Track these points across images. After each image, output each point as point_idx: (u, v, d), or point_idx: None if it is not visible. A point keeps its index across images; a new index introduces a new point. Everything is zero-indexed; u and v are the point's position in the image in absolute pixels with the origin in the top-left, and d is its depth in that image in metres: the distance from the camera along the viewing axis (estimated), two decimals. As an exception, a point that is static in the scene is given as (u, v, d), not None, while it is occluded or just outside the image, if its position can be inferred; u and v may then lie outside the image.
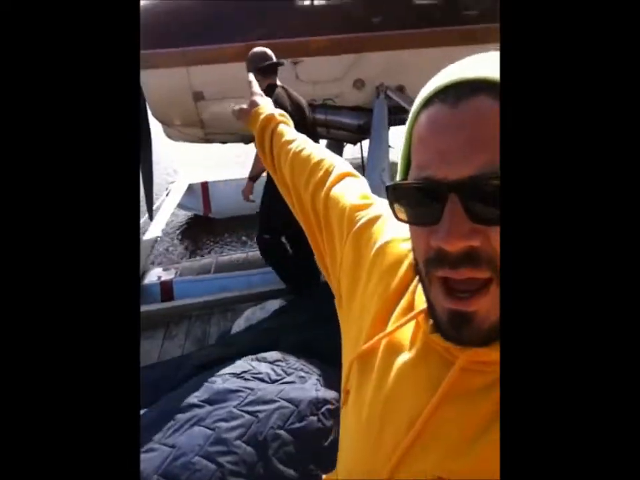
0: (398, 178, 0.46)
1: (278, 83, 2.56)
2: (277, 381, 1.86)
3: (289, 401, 1.72)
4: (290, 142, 0.77)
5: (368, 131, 3.36)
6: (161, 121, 3.48)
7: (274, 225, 2.67)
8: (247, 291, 2.96)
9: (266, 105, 0.87)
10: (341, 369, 0.59)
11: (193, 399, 1.74)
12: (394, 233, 0.57)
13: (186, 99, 3.31)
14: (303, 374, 1.92)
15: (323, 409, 1.71)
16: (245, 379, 1.83)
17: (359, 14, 3.22)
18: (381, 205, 0.63)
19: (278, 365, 1.96)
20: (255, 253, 3.73)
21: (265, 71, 2.46)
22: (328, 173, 0.69)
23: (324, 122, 3.51)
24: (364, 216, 0.61)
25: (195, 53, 3.17)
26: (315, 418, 1.68)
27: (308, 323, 2.39)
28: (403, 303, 0.51)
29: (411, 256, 0.52)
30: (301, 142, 0.77)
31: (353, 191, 0.66)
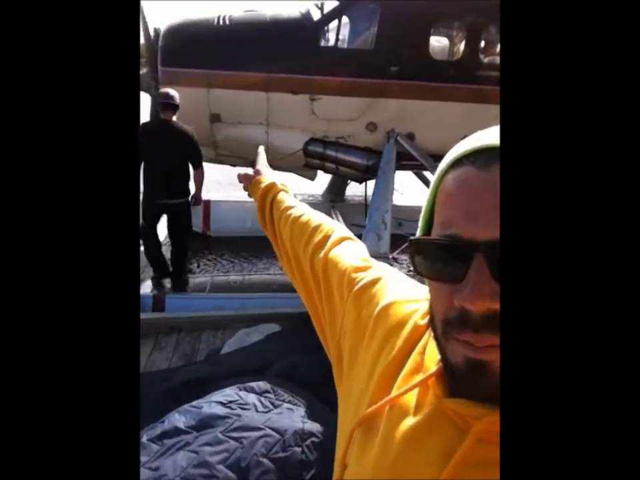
0: (419, 233, 0.46)
1: (174, 119, 3.11)
2: (263, 412, 1.86)
3: (275, 429, 1.72)
4: (289, 208, 0.79)
5: (375, 172, 3.46)
6: (175, 137, 3.59)
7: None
8: (240, 312, 2.97)
9: (268, 175, 0.89)
10: (332, 408, 0.57)
11: (180, 424, 1.75)
12: (395, 295, 0.56)
13: (203, 119, 3.41)
14: (290, 406, 1.92)
15: (308, 441, 1.72)
16: (232, 409, 1.84)
17: (378, 61, 3.37)
18: (380, 268, 0.63)
19: (266, 397, 1.96)
20: (251, 276, 3.73)
21: (163, 107, 3.11)
22: (327, 237, 0.70)
23: (334, 159, 3.61)
24: (364, 277, 0.61)
25: (218, 76, 3.30)
26: (298, 449, 1.68)
27: (300, 349, 2.40)
28: (410, 364, 0.49)
29: (414, 317, 0.52)
30: (300, 208, 0.78)
31: (352, 253, 0.66)
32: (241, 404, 1.87)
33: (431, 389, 0.44)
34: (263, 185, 0.86)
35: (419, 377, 0.46)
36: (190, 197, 3.33)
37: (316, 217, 0.75)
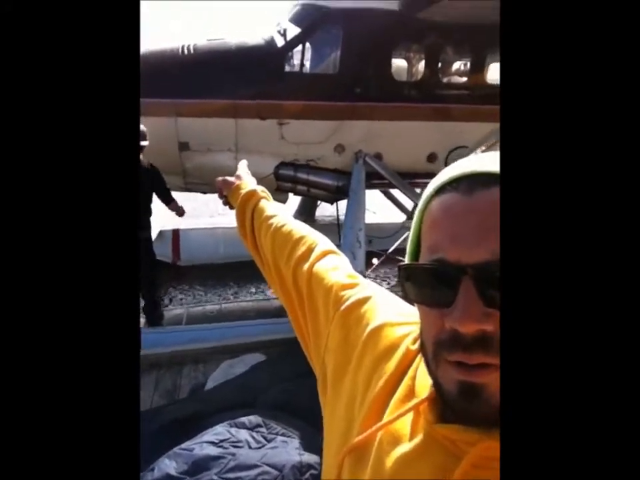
0: (407, 260, 0.46)
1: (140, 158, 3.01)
2: (257, 448, 1.80)
3: (272, 465, 1.66)
4: (271, 217, 0.76)
5: (345, 192, 3.51)
6: (143, 167, 3.54)
7: None
8: (221, 343, 2.89)
9: (249, 182, 0.87)
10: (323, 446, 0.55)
11: (171, 470, 1.65)
12: (385, 317, 0.55)
13: (171, 147, 3.38)
14: (284, 438, 1.87)
15: (307, 475, 1.66)
16: (225, 448, 1.76)
17: (343, 84, 3.45)
18: (369, 286, 0.62)
19: (258, 432, 1.90)
20: (228, 304, 3.65)
21: None
22: (310, 250, 0.68)
23: (305, 181, 3.64)
24: (352, 295, 0.59)
25: (185, 105, 3.29)
26: (298, 484, 1.63)
27: (288, 377, 2.34)
28: (402, 389, 0.48)
29: (406, 341, 0.51)
30: (282, 218, 0.76)
31: (337, 269, 0.65)
32: (233, 442, 1.80)
33: (422, 415, 0.44)
34: (243, 191, 0.83)
35: (410, 403, 0.45)
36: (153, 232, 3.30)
37: (298, 228, 0.74)
